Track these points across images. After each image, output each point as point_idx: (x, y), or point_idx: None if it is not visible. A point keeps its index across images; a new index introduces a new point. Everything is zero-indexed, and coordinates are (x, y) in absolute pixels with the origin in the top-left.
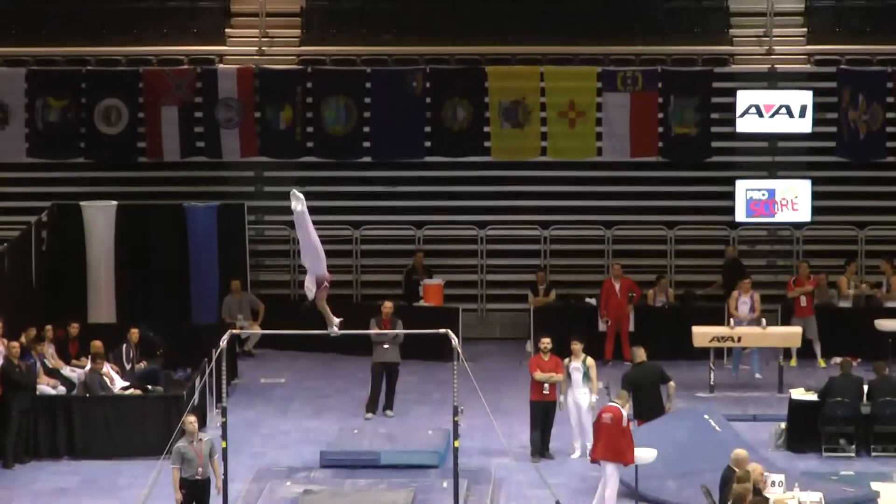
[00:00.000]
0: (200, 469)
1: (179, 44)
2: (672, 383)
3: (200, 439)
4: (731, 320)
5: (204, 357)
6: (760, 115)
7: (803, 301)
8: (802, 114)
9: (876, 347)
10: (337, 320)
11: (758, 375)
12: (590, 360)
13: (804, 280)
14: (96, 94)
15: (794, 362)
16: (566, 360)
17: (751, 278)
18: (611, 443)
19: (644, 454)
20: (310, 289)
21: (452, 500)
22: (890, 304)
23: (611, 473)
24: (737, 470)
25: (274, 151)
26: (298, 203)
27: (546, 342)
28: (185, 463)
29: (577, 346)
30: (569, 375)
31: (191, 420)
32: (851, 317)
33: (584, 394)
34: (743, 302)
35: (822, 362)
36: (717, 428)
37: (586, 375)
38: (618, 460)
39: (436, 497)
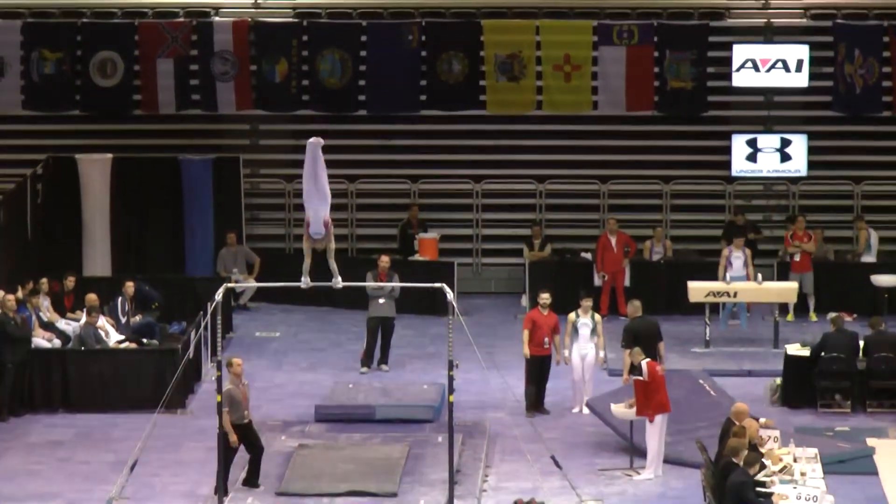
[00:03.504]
0: (246, 412)
1: None
2: (662, 343)
3: (244, 383)
4: (727, 275)
5: (199, 310)
6: (756, 69)
7: (797, 257)
8: (799, 68)
9: (872, 303)
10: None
11: (744, 328)
12: (597, 316)
13: (801, 234)
14: (92, 46)
15: (790, 317)
16: (572, 314)
17: (747, 237)
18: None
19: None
20: (319, 233)
21: (447, 454)
22: (866, 259)
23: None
24: (736, 422)
25: (269, 104)
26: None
27: (545, 297)
28: (233, 406)
29: (586, 303)
30: (575, 330)
31: (238, 362)
32: (847, 272)
33: (590, 349)
34: (736, 256)
35: (813, 316)
36: (712, 392)
37: (593, 331)
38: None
39: (431, 451)
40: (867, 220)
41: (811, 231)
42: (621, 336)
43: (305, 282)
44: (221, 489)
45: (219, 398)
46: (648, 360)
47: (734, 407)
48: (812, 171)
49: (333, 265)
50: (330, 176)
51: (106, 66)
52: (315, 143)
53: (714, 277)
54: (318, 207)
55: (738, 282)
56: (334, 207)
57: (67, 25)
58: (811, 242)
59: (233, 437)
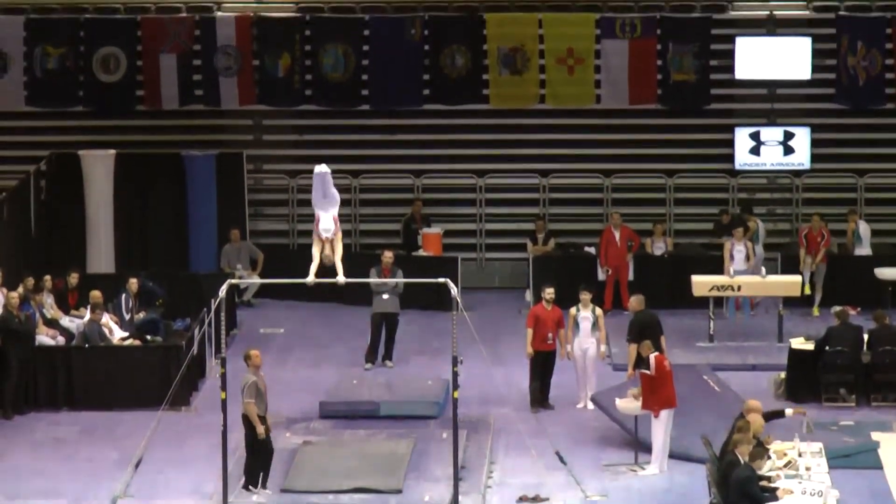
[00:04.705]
0: (266, 403)
1: None
2: (663, 336)
3: (261, 375)
4: (731, 269)
5: (203, 307)
6: (759, 61)
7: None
8: (801, 60)
9: (876, 296)
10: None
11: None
12: (598, 310)
13: (816, 234)
14: (95, 42)
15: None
16: (573, 309)
17: (743, 229)
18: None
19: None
20: (329, 229)
21: (452, 450)
22: (860, 252)
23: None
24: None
25: (272, 99)
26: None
27: (550, 292)
28: (258, 397)
29: (585, 296)
30: (577, 325)
31: (257, 354)
32: (851, 265)
33: (591, 343)
34: (738, 250)
35: (816, 311)
36: (716, 388)
37: (594, 325)
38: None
39: (435, 447)
40: (868, 213)
41: (824, 229)
42: (627, 330)
43: (310, 279)
44: (261, 484)
45: (223, 395)
46: (657, 353)
47: (746, 403)
48: (815, 164)
49: (339, 264)
50: (333, 172)
51: (109, 62)
52: (322, 173)
53: (717, 271)
54: (328, 209)
55: (742, 275)
56: None
57: (70, 21)
58: (825, 243)
59: (260, 429)
